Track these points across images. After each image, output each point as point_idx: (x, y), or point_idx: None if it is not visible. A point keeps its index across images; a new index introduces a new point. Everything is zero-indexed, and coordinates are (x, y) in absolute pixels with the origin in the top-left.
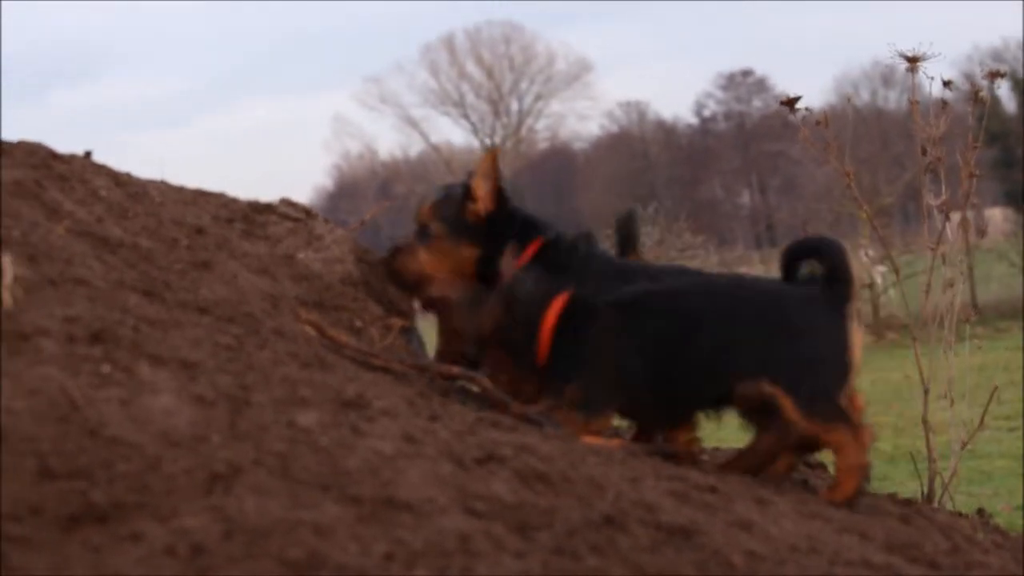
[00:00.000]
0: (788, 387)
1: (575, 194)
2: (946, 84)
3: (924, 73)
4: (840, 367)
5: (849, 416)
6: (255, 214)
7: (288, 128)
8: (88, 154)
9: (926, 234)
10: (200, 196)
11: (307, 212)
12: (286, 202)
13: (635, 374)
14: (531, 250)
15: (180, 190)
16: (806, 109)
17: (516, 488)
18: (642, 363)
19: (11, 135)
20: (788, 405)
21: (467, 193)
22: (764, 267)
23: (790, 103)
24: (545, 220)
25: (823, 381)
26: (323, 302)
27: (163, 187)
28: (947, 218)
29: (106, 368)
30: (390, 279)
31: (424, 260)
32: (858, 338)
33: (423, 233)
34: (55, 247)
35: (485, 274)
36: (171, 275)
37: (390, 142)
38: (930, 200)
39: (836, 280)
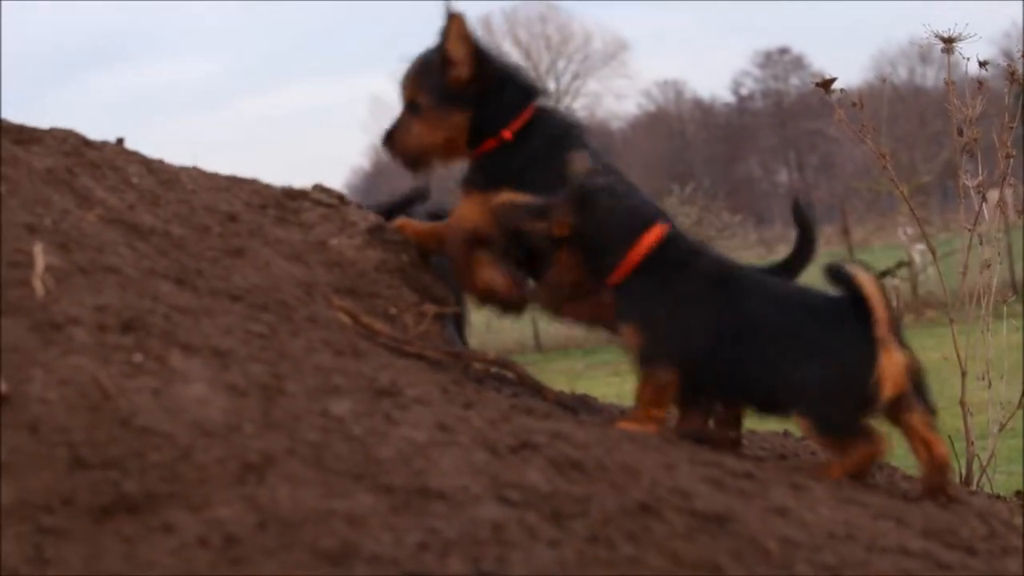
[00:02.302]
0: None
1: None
2: (982, 64)
3: (960, 54)
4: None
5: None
6: (288, 200)
7: (325, 110)
8: (120, 141)
9: (963, 214)
10: (233, 183)
11: (340, 198)
12: (319, 188)
13: (697, 343)
14: (525, 116)
15: (212, 177)
16: (841, 90)
17: (550, 476)
18: (709, 336)
19: (47, 118)
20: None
21: (445, 59)
22: None
23: (825, 84)
24: (534, 83)
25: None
26: (356, 289)
27: (195, 174)
28: (984, 198)
29: (138, 357)
30: (393, 157)
31: (418, 132)
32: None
33: (412, 106)
34: (86, 235)
35: (477, 140)
36: (203, 262)
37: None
38: (966, 181)
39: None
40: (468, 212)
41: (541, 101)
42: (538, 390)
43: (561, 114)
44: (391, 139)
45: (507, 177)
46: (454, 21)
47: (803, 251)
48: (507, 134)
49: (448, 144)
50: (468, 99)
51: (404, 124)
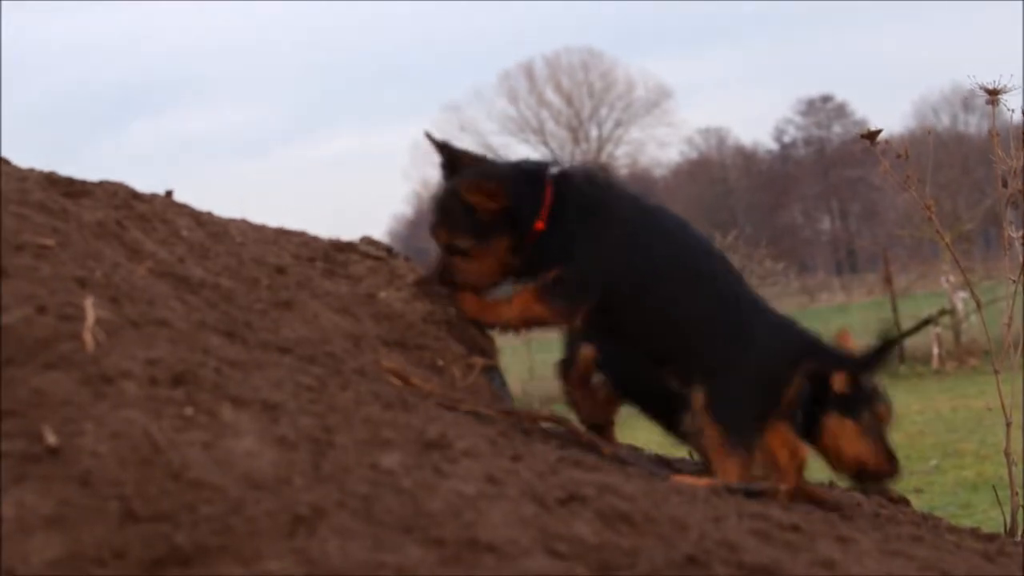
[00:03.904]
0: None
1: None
2: None
3: (1004, 105)
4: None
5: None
6: (336, 253)
7: (368, 157)
8: (169, 193)
9: (1007, 265)
10: (281, 235)
11: (388, 251)
12: (367, 240)
13: None
14: (548, 197)
15: (261, 229)
16: (886, 142)
17: (599, 529)
18: None
19: (93, 166)
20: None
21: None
22: (845, 294)
23: (871, 136)
24: (539, 164)
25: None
26: (404, 341)
27: (244, 226)
28: None
29: (189, 411)
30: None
31: (470, 270)
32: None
33: (451, 249)
34: (137, 288)
35: (519, 241)
36: (252, 315)
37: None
38: (1011, 232)
39: None
40: (520, 308)
41: (554, 175)
42: (593, 446)
43: (579, 173)
44: (446, 279)
45: (556, 257)
46: (465, 187)
47: (884, 352)
48: (540, 225)
49: (503, 268)
50: (503, 221)
51: (453, 266)
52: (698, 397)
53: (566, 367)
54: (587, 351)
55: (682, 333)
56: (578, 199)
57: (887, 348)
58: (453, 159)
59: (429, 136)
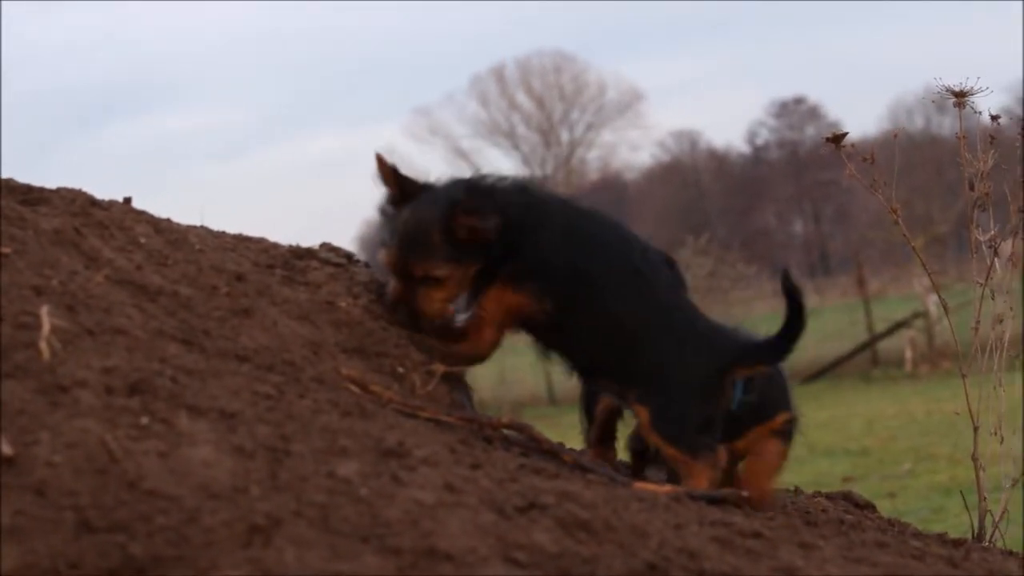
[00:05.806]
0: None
1: (627, 225)
2: (994, 119)
3: (971, 107)
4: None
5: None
6: (296, 260)
7: (338, 161)
8: (128, 200)
9: (975, 268)
10: (240, 242)
11: (348, 257)
12: (327, 247)
13: None
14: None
15: (220, 236)
16: (852, 146)
17: (558, 537)
18: None
19: (67, 169)
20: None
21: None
22: (818, 296)
23: (836, 139)
24: (483, 175)
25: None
26: (364, 348)
27: (203, 233)
28: (996, 253)
29: (145, 420)
30: (427, 328)
31: (442, 297)
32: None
33: (426, 280)
34: (94, 296)
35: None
36: (210, 323)
37: (440, 174)
38: (978, 235)
39: None
40: (496, 302)
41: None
42: (555, 454)
43: (510, 184)
44: (418, 312)
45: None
46: (457, 218)
47: (794, 322)
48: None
49: (462, 290)
50: (480, 244)
51: (423, 296)
52: (643, 414)
53: (588, 427)
54: (606, 402)
55: (617, 341)
56: (515, 207)
57: (797, 325)
58: (403, 186)
59: (380, 159)
